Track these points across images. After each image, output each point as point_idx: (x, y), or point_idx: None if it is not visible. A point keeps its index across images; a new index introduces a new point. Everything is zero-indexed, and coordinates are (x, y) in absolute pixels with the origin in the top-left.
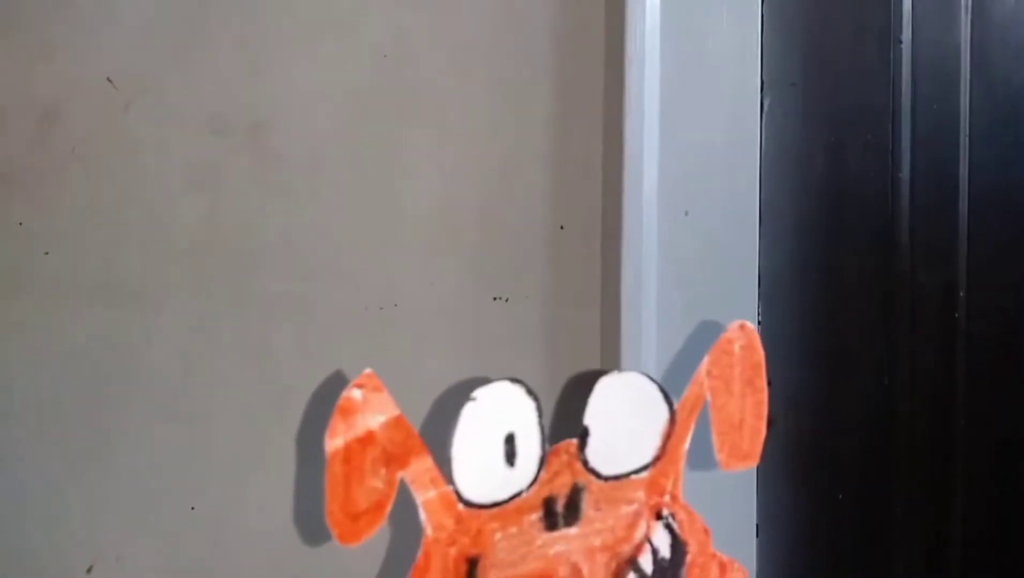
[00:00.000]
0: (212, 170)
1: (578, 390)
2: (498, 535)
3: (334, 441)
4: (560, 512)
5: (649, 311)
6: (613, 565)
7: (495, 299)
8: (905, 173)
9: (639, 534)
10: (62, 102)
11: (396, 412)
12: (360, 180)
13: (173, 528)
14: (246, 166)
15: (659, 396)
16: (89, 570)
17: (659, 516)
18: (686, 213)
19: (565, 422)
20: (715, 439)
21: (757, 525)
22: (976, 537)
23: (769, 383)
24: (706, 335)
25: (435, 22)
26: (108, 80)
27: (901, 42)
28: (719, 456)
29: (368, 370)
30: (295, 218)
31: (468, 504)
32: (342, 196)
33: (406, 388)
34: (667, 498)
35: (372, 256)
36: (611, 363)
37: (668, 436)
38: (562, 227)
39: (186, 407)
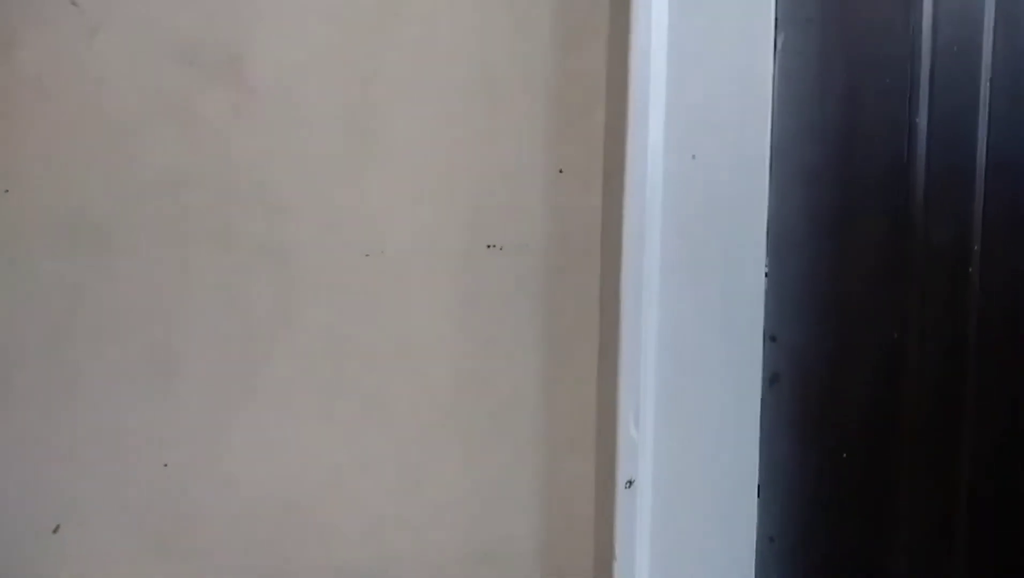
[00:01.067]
0: (184, 103)
1: None
2: None
3: None
4: None
5: (652, 261)
6: None
7: (489, 247)
8: (923, 119)
9: None
10: (21, 27)
11: None
12: (343, 116)
13: (145, 486)
14: (221, 99)
15: None
16: (56, 530)
17: None
18: (693, 156)
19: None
20: None
21: (759, 484)
22: (984, 497)
23: (774, 338)
24: (711, 287)
25: None
26: (72, 3)
27: None
28: None
29: None
30: (273, 156)
31: None
32: (324, 133)
33: (393, 341)
34: None
35: (357, 198)
36: (610, 316)
37: None
38: (561, 170)
39: (158, 357)
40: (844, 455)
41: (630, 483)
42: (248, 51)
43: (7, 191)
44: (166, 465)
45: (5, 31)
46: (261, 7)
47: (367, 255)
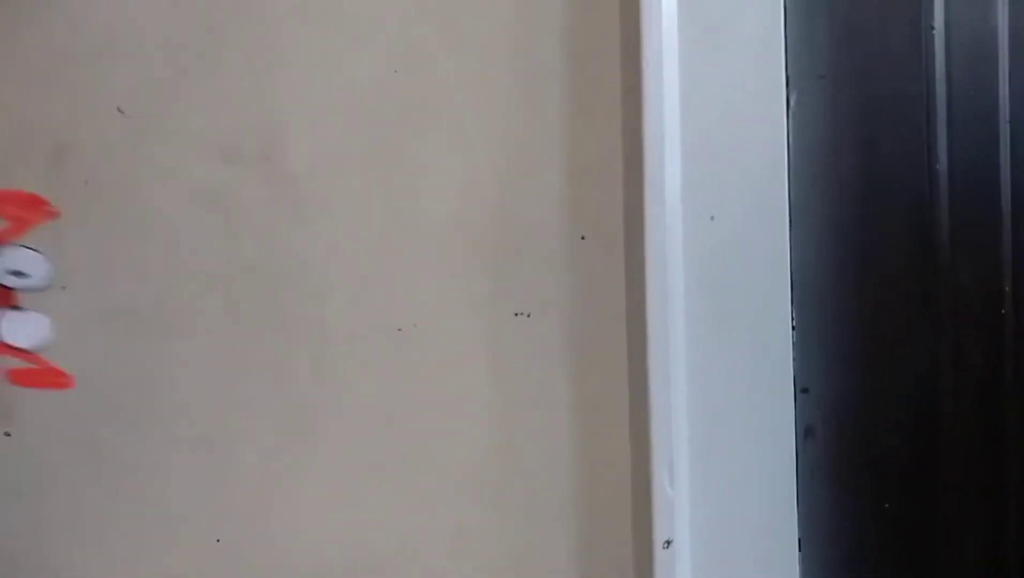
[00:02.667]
0: (226, 195)
1: None
2: None
3: None
4: None
5: (677, 321)
6: None
7: (517, 315)
8: (943, 165)
9: None
10: (73, 134)
11: None
12: (374, 196)
13: (199, 562)
14: (259, 190)
15: None
16: None
17: None
18: (712, 217)
19: None
20: None
21: (800, 539)
22: None
23: (806, 390)
24: (738, 343)
25: (446, 29)
26: (119, 110)
27: (934, 28)
28: None
29: None
30: (310, 239)
31: None
32: (356, 214)
33: (426, 409)
34: None
35: (388, 275)
36: (639, 377)
37: None
38: (583, 237)
39: (208, 434)
40: (886, 505)
41: (668, 543)
42: (280, 143)
43: (64, 288)
44: (218, 541)
45: (59, 137)
46: (290, 102)
47: (399, 329)
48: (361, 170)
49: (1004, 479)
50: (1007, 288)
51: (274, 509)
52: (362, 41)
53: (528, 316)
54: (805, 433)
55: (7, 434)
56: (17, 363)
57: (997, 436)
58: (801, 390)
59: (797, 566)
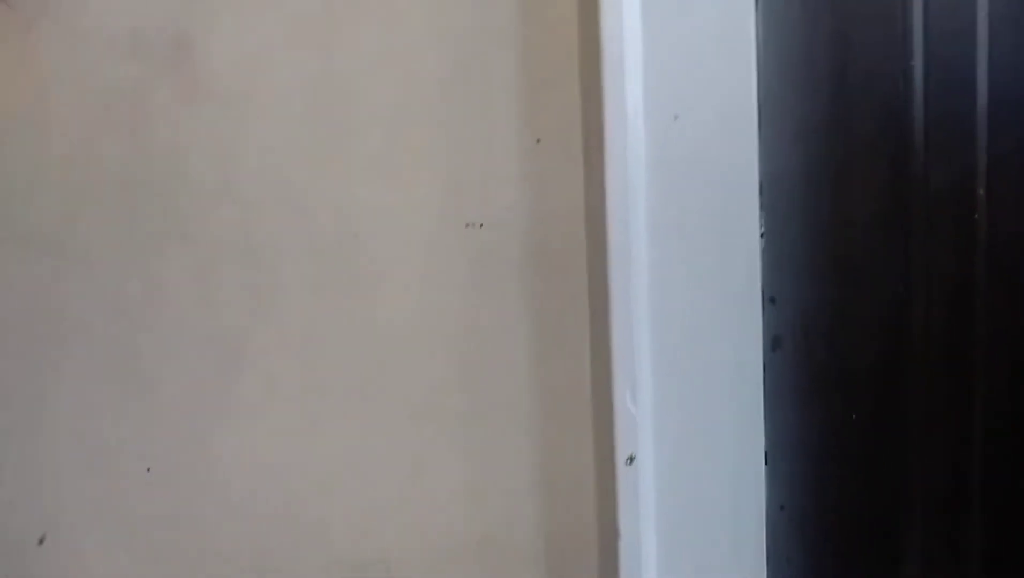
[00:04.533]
0: (134, 97)
1: None
2: None
3: None
4: None
5: (638, 228)
6: None
7: (467, 225)
8: (918, 62)
9: None
10: None
11: None
12: (304, 98)
13: (129, 493)
14: (172, 90)
15: None
16: (41, 541)
17: None
18: (675, 117)
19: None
20: None
21: (766, 452)
22: (998, 458)
23: (773, 300)
24: (703, 251)
25: None
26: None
27: None
28: None
29: None
30: (232, 145)
31: None
32: (285, 118)
33: (369, 329)
34: None
35: (323, 182)
36: (599, 291)
37: None
38: (538, 140)
39: (129, 363)
40: (853, 416)
41: (631, 459)
42: (198, 37)
43: None
44: (149, 469)
45: None
46: None
47: (337, 242)
48: (291, 69)
49: (971, 390)
50: (981, 191)
51: (207, 437)
52: None
53: (480, 227)
54: (773, 344)
55: None
56: None
57: (966, 347)
58: (769, 300)
59: (763, 480)
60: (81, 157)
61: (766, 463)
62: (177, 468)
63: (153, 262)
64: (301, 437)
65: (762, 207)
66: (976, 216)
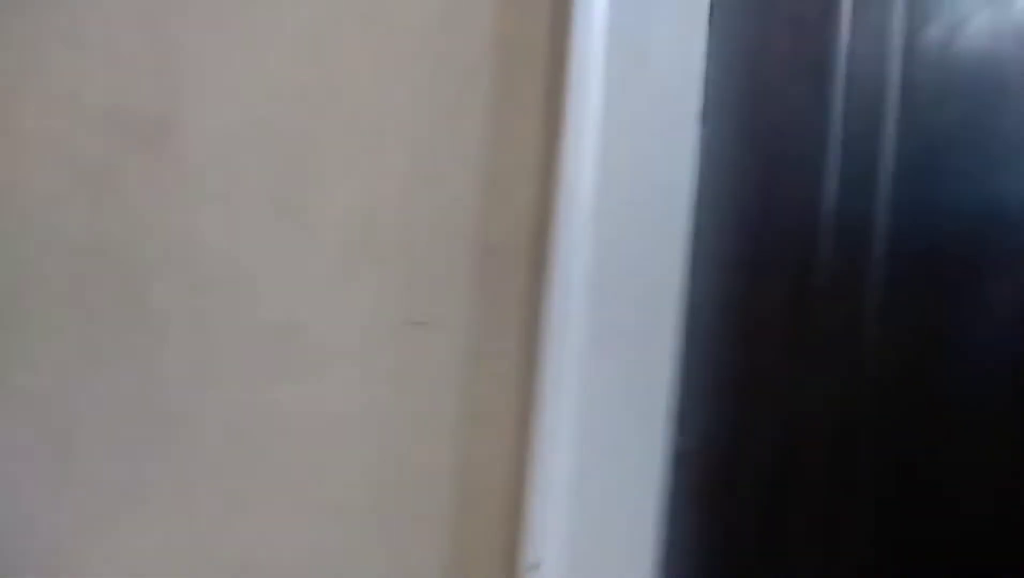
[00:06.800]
0: (104, 169)
1: None
2: None
3: None
4: None
5: (573, 351)
6: None
7: (413, 324)
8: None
9: None
10: None
11: None
12: (269, 185)
13: (42, 570)
14: (143, 165)
15: None
16: None
17: None
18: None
19: None
20: None
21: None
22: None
23: (680, 418)
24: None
25: (366, 23)
26: None
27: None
28: None
29: None
30: (193, 225)
31: None
32: (252, 205)
33: (309, 418)
34: None
35: (277, 269)
36: (530, 396)
37: None
38: (490, 246)
39: (61, 435)
40: (744, 525)
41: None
42: (176, 117)
43: None
44: (65, 548)
45: None
46: (190, 70)
47: (282, 329)
48: (257, 156)
49: (844, 510)
50: (874, 332)
51: (122, 519)
52: (275, 20)
53: (425, 325)
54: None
55: None
56: None
57: (845, 469)
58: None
59: None
60: (42, 222)
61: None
62: (87, 550)
63: (100, 333)
64: (221, 524)
65: (684, 333)
66: (862, 353)
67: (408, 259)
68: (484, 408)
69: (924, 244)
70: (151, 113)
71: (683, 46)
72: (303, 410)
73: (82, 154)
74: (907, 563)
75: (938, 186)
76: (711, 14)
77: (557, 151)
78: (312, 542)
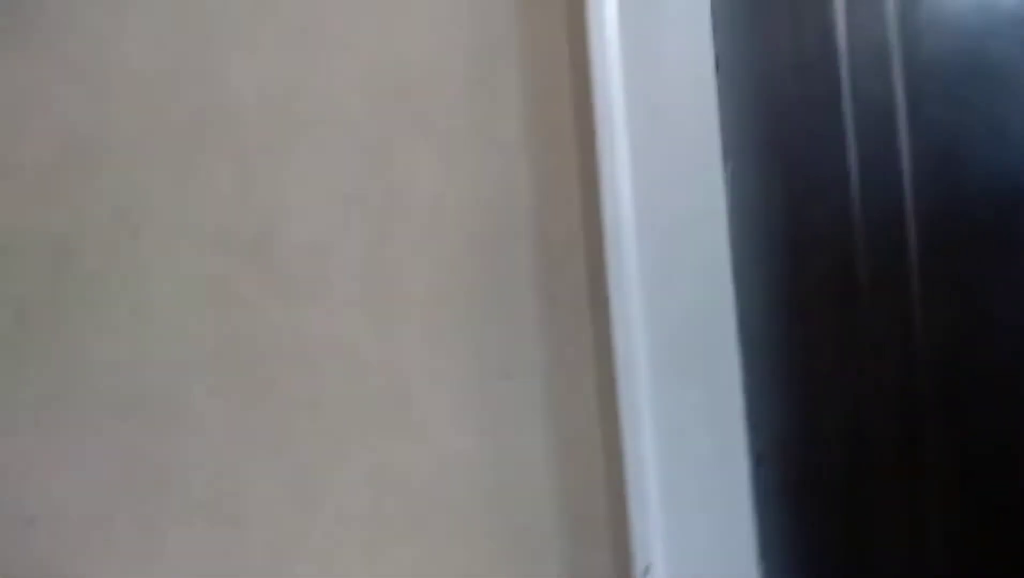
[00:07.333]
0: (222, 282)
1: None
2: None
3: None
4: None
5: (641, 381)
6: None
7: (498, 377)
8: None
9: None
10: (76, 237)
11: None
12: (362, 277)
13: None
14: (252, 275)
15: None
16: None
17: None
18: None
19: None
20: None
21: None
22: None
23: (753, 421)
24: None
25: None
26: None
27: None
28: None
29: None
30: (304, 319)
31: None
32: (347, 297)
33: (413, 474)
34: None
35: (380, 346)
36: (611, 428)
37: None
38: (552, 301)
39: (223, 510)
40: (831, 522)
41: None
42: (275, 232)
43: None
44: None
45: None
46: (283, 192)
47: (393, 398)
48: (351, 254)
49: (922, 492)
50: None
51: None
52: (345, 132)
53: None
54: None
55: None
56: None
57: (916, 452)
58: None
59: None
60: (180, 335)
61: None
62: None
63: (241, 420)
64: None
65: (740, 342)
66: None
67: (487, 321)
68: (573, 442)
69: (955, 223)
70: (253, 231)
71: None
72: (415, 467)
73: (202, 273)
74: (989, 537)
75: (962, 160)
76: None
77: (599, 213)
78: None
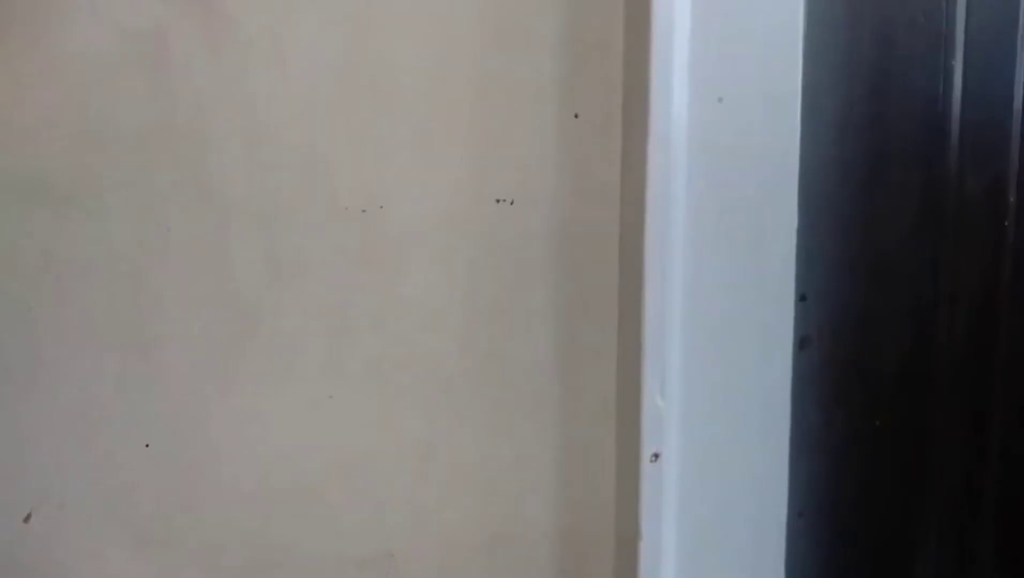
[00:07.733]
0: (156, 40)
1: None
2: None
3: None
4: None
5: (677, 211)
6: None
7: (498, 201)
8: (958, 62)
9: None
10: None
11: None
12: (337, 57)
13: (125, 469)
14: (197, 35)
15: None
16: (27, 518)
17: None
18: (720, 99)
19: None
20: None
21: (789, 453)
22: (1016, 468)
23: (803, 297)
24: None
25: None
26: None
27: None
28: None
29: None
30: (256, 100)
31: None
32: (315, 76)
33: (392, 305)
34: None
35: (349, 149)
36: (632, 277)
37: None
38: (576, 115)
39: (132, 328)
40: (877, 423)
41: (656, 456)
42: None
43: None
44: (148, 445)
45: None
46: None
47: (364, 211)
48: (325, 25)
49: (990, 397)
50: (1012, 199)
51: (209, 415)
52: None
53: (511, 204)
54: (801, 344)
55: None
56: None
57: (990, 358)
58: (800, 297)
59: (786, 484)
60: (96, 103)
61: (789, 465)
62: (176, 444)
63: (165, 217)
64: (311, 418)
65: (799, 202)
66: (1006, 223)
67: (489, 131)
68: (582, 292)
69: None
70: None
71: None
72: (389, 296)
73: (130, 26)
74: None
75: None
76: None
77: (651, 10)
78: (401, 435)
